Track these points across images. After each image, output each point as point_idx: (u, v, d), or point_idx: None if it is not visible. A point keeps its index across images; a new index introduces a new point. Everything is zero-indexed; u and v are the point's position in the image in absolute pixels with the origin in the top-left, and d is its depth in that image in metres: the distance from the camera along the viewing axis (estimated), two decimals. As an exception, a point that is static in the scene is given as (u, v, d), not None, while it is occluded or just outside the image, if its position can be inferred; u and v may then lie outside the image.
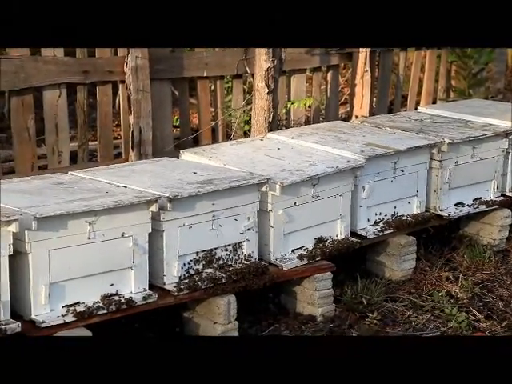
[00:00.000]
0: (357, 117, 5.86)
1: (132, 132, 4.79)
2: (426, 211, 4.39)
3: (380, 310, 3.84)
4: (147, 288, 3.35)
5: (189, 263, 3.48)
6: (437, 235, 4.52)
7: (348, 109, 6.56)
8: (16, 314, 3.06)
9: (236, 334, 3.49)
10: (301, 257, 3.79)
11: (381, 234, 4.14)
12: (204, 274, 3.49)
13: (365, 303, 3.87)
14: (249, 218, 3.63)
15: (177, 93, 5.57)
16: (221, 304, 3.45)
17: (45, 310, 3.09)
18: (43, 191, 3.34)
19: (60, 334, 3.03)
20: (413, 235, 4.22)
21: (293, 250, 3.81)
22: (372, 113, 6.01)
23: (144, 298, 3.30)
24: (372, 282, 4.02)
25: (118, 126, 5.48)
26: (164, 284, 3.41)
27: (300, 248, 3.84)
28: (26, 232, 3.02)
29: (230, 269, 3.57)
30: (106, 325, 3.21)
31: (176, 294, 3.39)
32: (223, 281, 3.50)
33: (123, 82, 4.83)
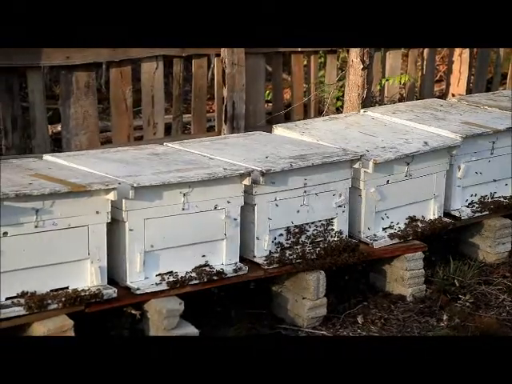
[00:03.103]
0: (453, 95, 5.72)
1: (225, 105, 4.82)
2: (524, 193, 4.26)
3: (473, 293, 3.77)
4: (238, 260, 3.38)
5: (279, 237, 3.49)
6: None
7: (443, 87, 6.41)
8: (112, 281, 3.15)
9: (324, 310, 3.49)
10: (392, 235, 3.75)
11: (476, 215, 4.05)
12: (294, 249, 3.50)
13: (457, 285, 3.80)
14: (340, 195, 3.61)
15: (269, 68, 5.56)
16: (310, 279, 3.45)
17: (139, 278, 3.16)
18: (140, 161, 3.41)
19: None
20: (509, 218, 4.10)
21: (384, 229, 3.77)
22: (469, 91, 5.84)
23: (235, 271, 3.34)
24: (465, 263, 3.94)
25: (211, 99, 5.53)
26: (254, 257, 3.44)
27: (391, 227, 3.79)
28: (124, 201, 3.10)
29: (320, 245, 3.56)
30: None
31: (266, 267, 3.41)
32: (313, 256, 3.50)
33: (218, 55, 4.85)
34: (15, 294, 2.92)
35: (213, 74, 5.43)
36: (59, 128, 5.05)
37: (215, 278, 3.29)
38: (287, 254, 3.47)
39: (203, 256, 3.32)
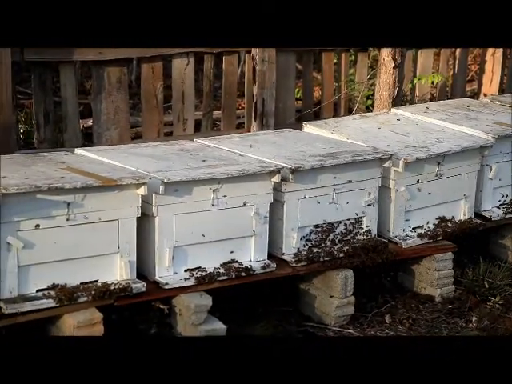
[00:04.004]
0: (485, 95, 5.66)
1: (255, 102, 4.82)
2: (556, 195, 4.20)
3: (503, 295, 3.73)
4: (266, 257, 3.39)
5: (308, 235, 3.48)
6: None
7: (474, 86, 6.35)
8: (140, 275, 3.16)
9: (352, 308, 3.48)
10: (421, 235, 3.73)
11: (507, 216, 4.00)
12: (322, 247, 3.49)
13: (487, 286, 3.76)
14: (370, 194, 3.59)
15: (299, 65, 5.54)
16: (338, 278, 3.45)
17: (168, 273, 3.18)
18: (170, 157, 3.42)
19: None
20: (541, 220, 4.05)
21: (413, 228, 3.75)
22: (502, 91, 5.78)
23: (263, 267, 3.34)
24: (495, 265, 3.90)
25: (240, 96, 5.53)
26: (282, 254, 3.43)
27: (421, 226, 3.77)
28: (154, 196, 3.11)
29: (349, 243, 3.55)
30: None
31: (294, 265, 3.41)
32: (341, 255, 3.49)
33: (249, 52, 4.85)
34: (46, 287, 2.95)
35: (242, 71, 5.44)
36: (90, 123, 5.09)
37: (243, 274, 3.29)
38: (315, 252, 3.46)
39: (232, 252, 3.32)
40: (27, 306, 2.87)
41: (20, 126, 4.98)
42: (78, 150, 3.47)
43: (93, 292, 2.98)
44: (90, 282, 3.03)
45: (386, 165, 3.59)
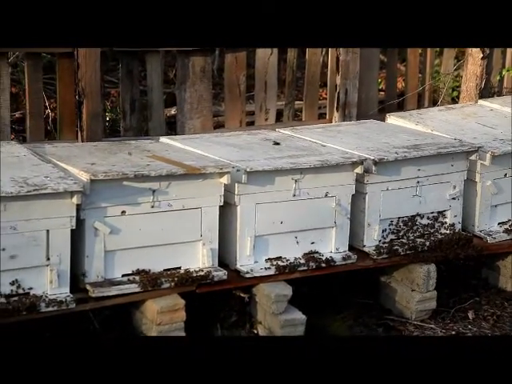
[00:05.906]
0: None
1: (338, 93, 4.78)
2: None
3: None
4: (347, 249, 3.36)
5: (389, 227, 3.44)
6: None
7: None
8: (222, 263, 3.19)
9: (434, 303, 3.43)
10: (508, 231, 3.63)
11: None
12: (404, 240, 3.45)
13: None
14: (455, 187, 3.52)
15: (382, 56, 5.47)
16: (420, 272, 3.39)
17: (249, 261, 3.20)
18: (253, 146, 3.44)
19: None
20: None
21: (499, 224, 3.65)
22: None
23: (343, 259, 3.32)
24: None
25: (322, 86, 5.49)
26: (363, 246, 3.41)
27: (507, 222, 3.67)
28: (236, 185, 3.13)
29: (432, 237, 3.49)
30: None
31: (375, 257, 3.38)
32: (424, 248, 3.44)
33: (332, 42, 4.81)
34: (131, 272, 3.02)
35: (324, 62, 5.40)
36: (172, 112, 5.16)
37: (323, 265, 3.28)
38: (397, 245, 3.42)
39: (312, 243, 3.32)
40: (113, 290, 2.94)
41: (106, 113, 5.09)
42: (163, 139, 3.53)
43: (175, 278, 3.03)
44: (173, 269, 3.08)
45: (473, 158, 3.51)
